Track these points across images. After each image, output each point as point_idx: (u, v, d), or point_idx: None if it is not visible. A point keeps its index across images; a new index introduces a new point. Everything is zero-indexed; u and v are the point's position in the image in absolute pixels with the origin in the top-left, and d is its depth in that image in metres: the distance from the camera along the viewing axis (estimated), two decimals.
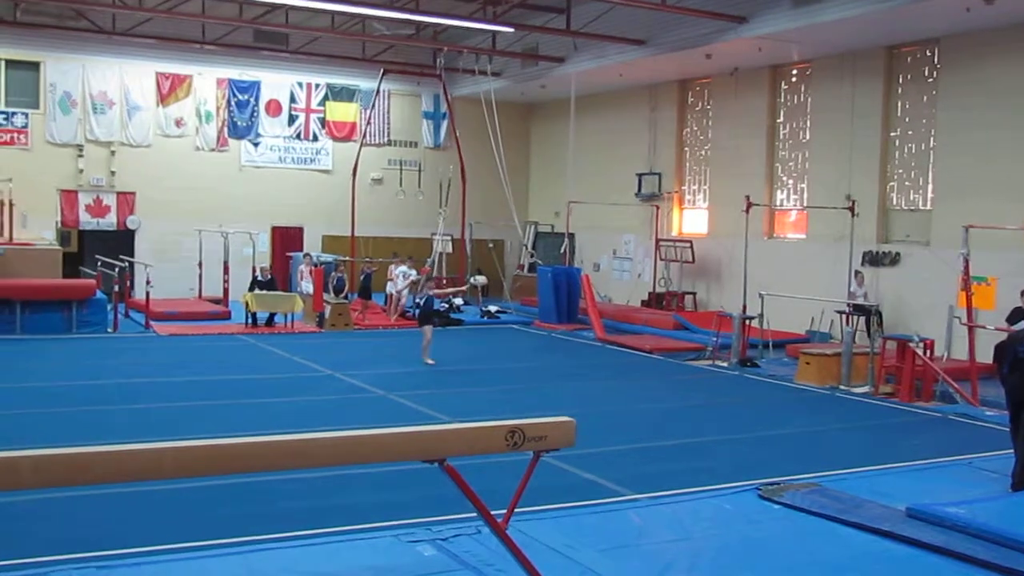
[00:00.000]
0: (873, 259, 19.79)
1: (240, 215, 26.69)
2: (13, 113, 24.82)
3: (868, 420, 12.94)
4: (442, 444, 5.26)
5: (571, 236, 25.66)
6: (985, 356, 14.49)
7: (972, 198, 17.82)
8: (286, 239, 27.88)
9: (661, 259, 24.77)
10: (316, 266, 21.97)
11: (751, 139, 22.94)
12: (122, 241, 25.62)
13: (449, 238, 27.44)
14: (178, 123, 26.36)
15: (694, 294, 24.27)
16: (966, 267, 14.61)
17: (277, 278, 22.72)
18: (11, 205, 23.56)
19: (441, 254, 27.26)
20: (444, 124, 29.59)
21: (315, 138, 28.10)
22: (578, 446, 5.96)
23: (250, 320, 20.59)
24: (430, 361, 16.13)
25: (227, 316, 22.12)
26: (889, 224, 19.96)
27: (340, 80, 28.26)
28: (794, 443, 11.23)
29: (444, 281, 27.60)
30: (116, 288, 20.69)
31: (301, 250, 26.10)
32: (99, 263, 22.71)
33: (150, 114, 26.04)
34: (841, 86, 20.64)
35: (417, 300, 16.48)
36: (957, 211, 17.91)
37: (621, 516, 7.92)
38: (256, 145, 27.43)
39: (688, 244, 23.85)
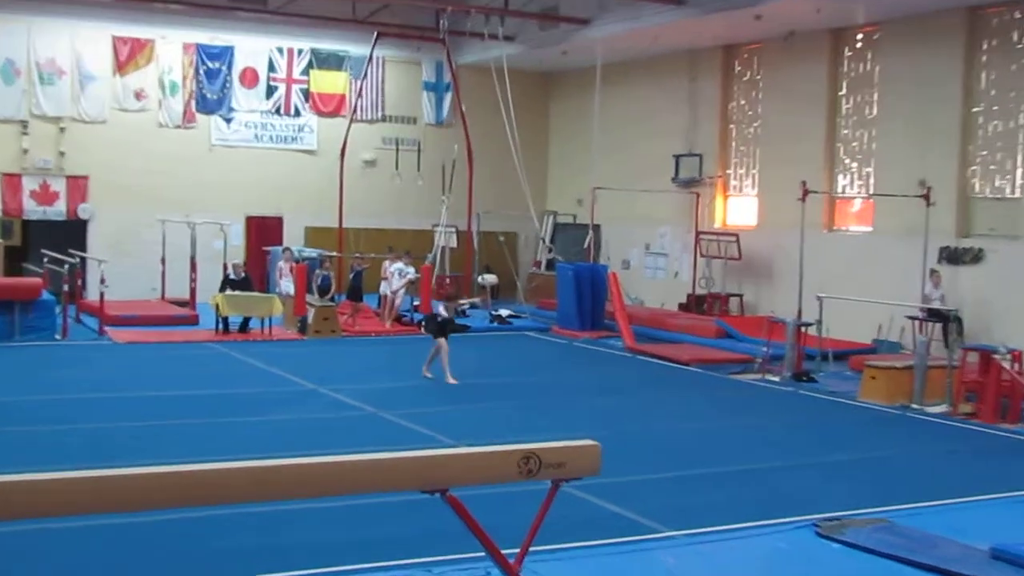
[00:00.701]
0: (951, 256, 19.69)
1: (210, 203, 26.74)
2: None
3: (945, 444, 12.87)
4: (444, 471, 5.25)
5: (596, 228, 25.64)
6: None
7: None
8: (263, 231, 27.91)
9: (702, 255, 24.73)
10: (298, 262, 22.00)
11: (808, 115, 22.86)
12: (73, 233, 25.71)
13: (453, 230, 27.42)
14: (138, 95, 26.44)
15: (740, 296, 24.22)
16: None
17: (252, 277, 22.75)
18: None
19: (444, 249, 27.25)
20: (448, 97, 29.59)
21: (297, 113, 28.15)
22: (603, 474, 5.93)
23: (221, 326, 20.63)
24: (453, 380, 15.67)
25: (194, 321, 22.15)
26: (970, 215, 19.87)
27: (327, 45, 28.30)
28: (858, 471, 11.16)
29: (447, 281, 27.65)
30: (66, 288, 20.75)
31: (280, 244, 26.14)
32: (46, 259, 22.79)
33: (106, 85, 26.12)
34: (914, 53, 20.55)
35: (441, 312, 16.18)
36: None
37: (653, 557, 7.88)
38: (228, 121, 27.49)
39: (733, 238, 23.81)
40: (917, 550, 8.03)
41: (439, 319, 16.14)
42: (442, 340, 15.84)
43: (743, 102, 25.25)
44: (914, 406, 15.11)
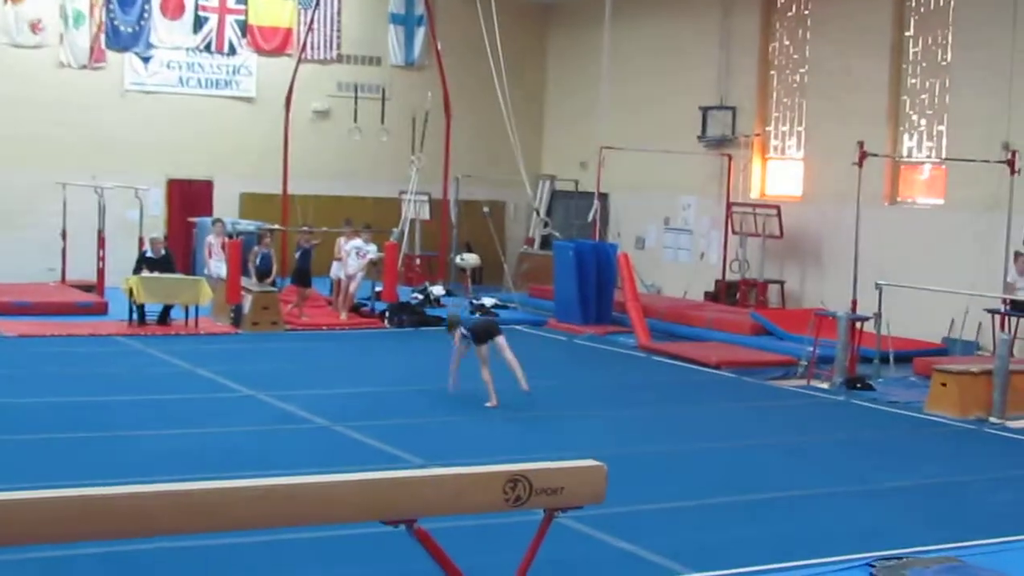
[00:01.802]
0: None
1: (122, 162, 26.67)
2: None
3: None
4: (412, 498, 5.27)
5: (604, 198, 25.66)
6: None
7: None
8: (188, 198, 27.86)
9: (734, 232, 24.77)
10: (231, 238, 21.98)
11: (866, 60, 22.89)
12: None
13: (426, 199, 27.39)
14: (34, 27, 26.33)
15: (781, 283, 24.27)
16: None
17: (175, 255, 22.71)
18: None
19: (414, 222, 27.24)
20: (421, 33, 29.54)
21: (232, 51, 28.08)
22: (609, 502, 5.96)
23: (136, 316, 20.59)
24: (493, 402, 14.68)
25: (102, 310, 22.12)
26: None
27: None
28: (923, 500, 11.21)
29: (418, 262, 27.65)
30: None
31: (210, 214, 26.10)
32: None
33: None
34: None
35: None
36: None
37: None
38: (147, 61, 27.40)
39: (774, 211, 23.85)
40: None
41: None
42: (484, 346, 14.75)
43: (787, 43, 25.25)
44: (993, 420, 15.16)
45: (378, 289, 22.87)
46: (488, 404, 14.55)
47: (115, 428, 12.94)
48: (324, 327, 21.79)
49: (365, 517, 5.30)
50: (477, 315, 15.48)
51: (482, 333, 14.75)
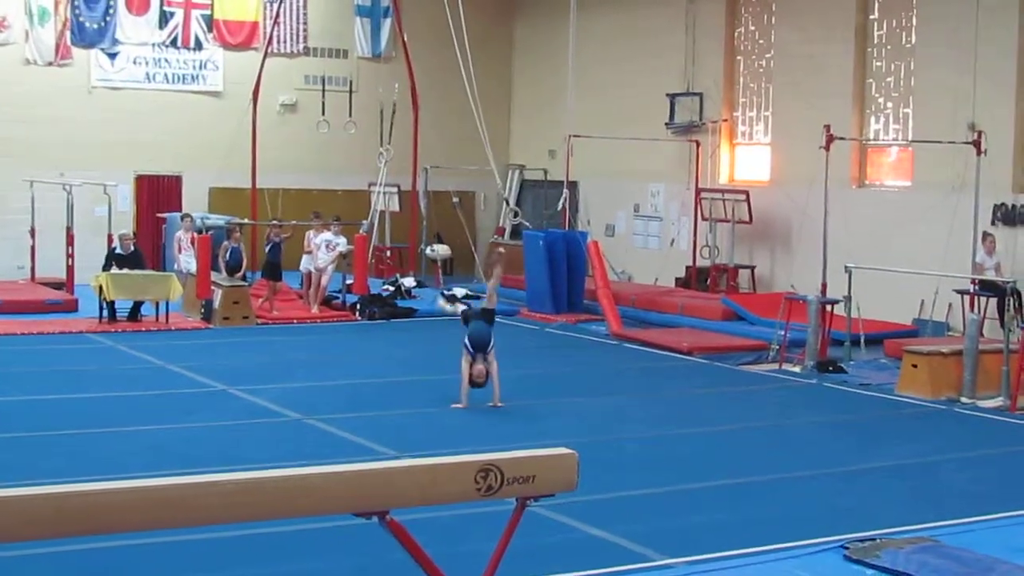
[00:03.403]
0: (1007, 216, 19.83)
1: (90, 158, 26.52)
2: None
3: (1002, 446, 12.99)
4: (384, 489, 5.25)
5: (573, 186, 25.65)
6: None
7: None
8: (157, 193, 27.74)
9: (704, 218, 24.79)
10: (200, 233, 21.89)
11: (832, 44, 22.91)
12: None
13: (395, 190, 27.32)
14: None
15: (752, 269, 24.31)
16: None
17: (144, 251, 22.62)
18: None
19: (383, 214, 27.18)
20: (387, 24, 29.45)
21: (198, 45, 27.94)
22: (582, 490, 5.95)
23: (106, 312, 20.49)
24: (499, 403, 14.15)
25: (72, 307, 22.00)
26: None
27: None
28: (895, 480, 11.25)
29: (388, 253, 27.61)
30: None
31: (179, 210, 25.99)
32: None
33: None
34: None
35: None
36: None
37: None
38: (113, 57, 27.25)
39: (742, 196, 23.88)
40: (968, 575, 8.11)
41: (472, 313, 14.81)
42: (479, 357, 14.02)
43: (753, 28, 25.27)
44: (964, 400, 15.22)
45: (349, 282, 22.80)
46: (456, 405, 14.11)
47: (86, 425, 12.89)
48: (295, 320, 21.72)
49: (337, 510, 5.28)
50: (477, 308, 14.76)
51: (479, 345, 14.03)
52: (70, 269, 23.36)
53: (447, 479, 5.38)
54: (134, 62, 27.48)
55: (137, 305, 20.76)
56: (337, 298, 22.87)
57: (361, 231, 22.80)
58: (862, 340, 18.23)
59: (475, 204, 30.54)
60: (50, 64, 26.63)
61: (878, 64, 22.60)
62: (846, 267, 18.00)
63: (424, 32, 27.37)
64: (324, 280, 22.42)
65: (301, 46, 29.04)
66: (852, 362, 17.67)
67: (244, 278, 22.30)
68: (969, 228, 19.48)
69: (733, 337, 19.60)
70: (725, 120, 25.51)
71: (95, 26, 26.94)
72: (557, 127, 26.90)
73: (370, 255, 24.24)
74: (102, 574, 8.03)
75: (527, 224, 26.50)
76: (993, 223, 19.76)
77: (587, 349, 19.63)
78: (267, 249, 22.57)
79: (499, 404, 14.08)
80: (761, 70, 25.08)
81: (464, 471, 5.36)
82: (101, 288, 20.28)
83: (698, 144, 25.42)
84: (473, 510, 6.25)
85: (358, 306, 22.29)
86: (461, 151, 28.10)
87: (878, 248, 20.67)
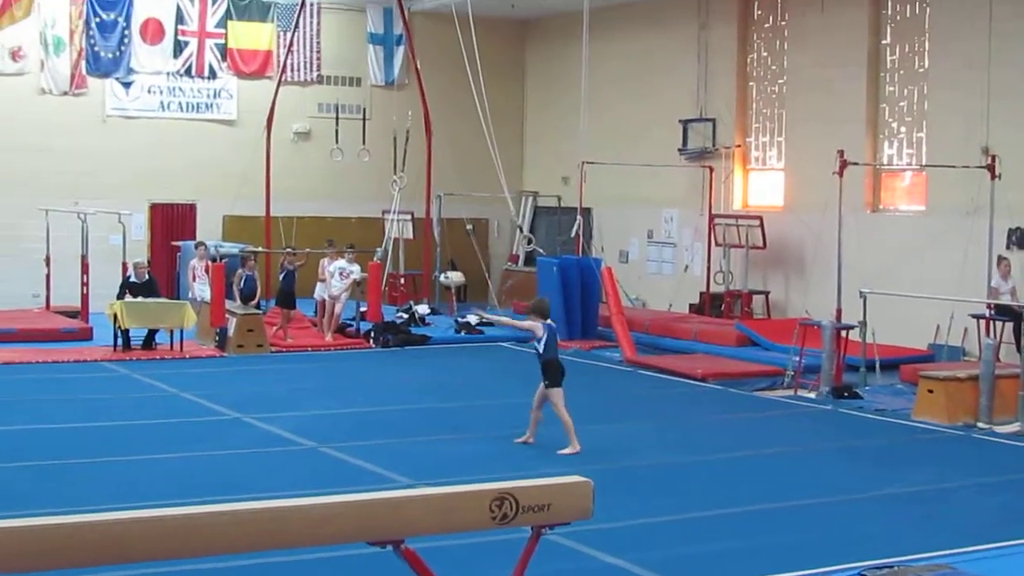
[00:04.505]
0: (1022, 240, 19.79)
1: (105, 188, 26.61)
2: None
3: (1019, 472, 12.94)
4: (399, 518, 5.24)
5: (586, 212, 25.65)
6: None
7: None
8: (171, 222, 27.81)
9: (717, 244, 24.77)
10: (214, 261, 21.94)
11: (844, 69, 22.93)
12: None
13: (408, 218, 27.35)
14: (15, 55, 26.29)
15: (766, 294, 24.27)
16: None
17: (158, 279, 22.67)
18: None
19: (397, 241, 27.20)
20: (400, 52, 29.54)
21: (213, 74, 28.05)
22: (597, 518, 5.93)
23: (120, 341, 20.53)
24: (576, 447, 13.15)
25: (87, 335, 22.04)
26: None
27: None
28: (912, 507, 11.21)
29: (402, 281, 27.62)
30: None
31: (193, 238, 26.04)
32: None
33: None
34: None
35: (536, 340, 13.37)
36: None
37: None
38: (127, 86, 27.37)
39: (756, 222, 23.86)
40: None
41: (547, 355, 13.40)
42: (557, 390, 13.29)
43: (766, 54, 25.29)
44: (980, 425, 15.18)
45: (363, 309, 22.82)
46: (573, 450, 13.07)
47: (100, 454, 12.89)
48: (309, 348, 21.73)
49: (352, 538, 5.27)
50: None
51: (556, 375, 13.21)
52: (85, 298, 23.39)
53: (462, 507, 5.37)
54: (148, 91, 27.59)
55: (151, 333, 20.81)
56: (351, 326, 22.87)
57: (375, 258, 22.86)
58: (877, 365, 18.18)
59: (489, 231, 30.58)
60: (65, 93, 26.75)
61: (891, 88, 22.60)
62: (861, 292, 17.98)
63: (437, 60, 27.45)
64: (338, 308, 22.44)
65: (315, 74, 29.14)
66: (867, 387, 17.62)
67: (258, 306, 22.33)
68: (984, 252, 19.46)
69: (747, 363, 19.57)
70: (738, 145, 25.51)
71: (110, 55, 27.07)
72: (570, 153, 26.91)
73: (384, 282, 24.26)
74: None
75: (541, 251, 26.52)
76: (1008, 247, 19.73)
77: (601, 375, 19.60)
78: (281, 277, 22.62)
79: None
80: (774, 95, 25.10)
81: (479, 499, 5.35)
82: (116, 316, 20.32)
83: (711, 170, 25.42)
84: (488, 538, 6.24)
85: (372, 334, 22.29)
86: (474, 178, 28.13)
87: (893, 273, 20.65)
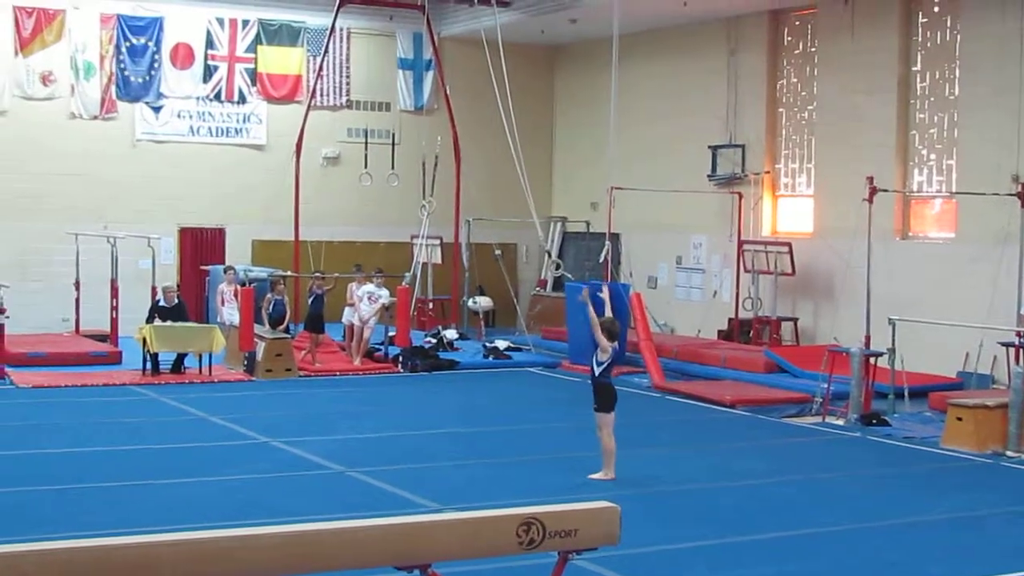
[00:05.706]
0: None
1: (134, 211, 26.77)
2: None
3: None
4: (426, 542, 5.27)
5: (615, 238, 25.67)
6: None
7: None
8: (200, 246, 27.94)
9: (746, 270, 24.75)
10: (243, 285, 22.02)
11: (874, 95, 22.92)
12: None
13: (437, 243, 27.41)
14: (45, 79, 26.49)
15: (795, 321, 24.23)
16: None
17: (187, 303, 22.76)
18: None
19: (425, 266, 27.26)
20: (429, 77, 29.66)
21: (242, 99, 28.22)
22: (624, 543, 5.95)
23: (149, 365, 20.62)
24: (610, 475, 13.12)
25: (116, 359, 22.14)
26: None
27: (278, 15, 28.40)
28: (943, 535, 11.19)
29: (430, 305, 27.66)
30: None
31: (222, 262, 26.16)
32: None
33: (4, 67, 26.18)
34: (1004, 17, 20.62)
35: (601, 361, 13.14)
36: None
37: None
38: (157, 110, 27.54)
39: (785, 248, 23.84)
40: None
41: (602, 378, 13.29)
42: (608, 415, 13.23)
43: (794, 80, 25.31)
44: (1010, 453, 15.11)
45: (391, 334, 22.87)
46: (607, 477, 13.07)
47: (130, 477, 12.95)
48: (338, 373, 21.80)
49: (380, 562, 5.30)
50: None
51: (609, 399, 13.24)
52: (114, 321, 23.51)
53: (489, 532, 5.39)
54: (178, 116, 27.76)
55: (180, 357, 20.90)
56: (379, 350, 22.92)
57: (403, 283, 22.90)
58: (906, 393, 18.12)
59: (517, 256, 30.63)
60: (95, 118, 26.93)
61: (921, 116, 22.58)
62: (890, 319, 17.94)
63: (466, 85, 27.56)
64: (366, 332, 22.50)
65: (344, 99, 29.28)
66: (896, 415, 17.58)
67: (287, 330, 22.40)
68: (1014, 280, 19.41)
69: (776, 390, 19.54)
70: (767, 172, 25.51)
71: (140, 80, 27.26)
72: (599, 179, 26.96)
73: (412, 307, 24.31)
74: None
75: (569, 276, 26.54)
76: None
77: (629, 401, 19.50)
78: (310, 301, 22.67)
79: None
80: (803, 122, 25.10)
81: (506, 524, 5.38)
82: (145, 340, 20.42)
83: (740, 196, 25.41)
84: (515, 563, 6.25)
85: (400, 358, 22.35)
86: (503, 203, 28.19)
87: (922, 300, 20.59)
